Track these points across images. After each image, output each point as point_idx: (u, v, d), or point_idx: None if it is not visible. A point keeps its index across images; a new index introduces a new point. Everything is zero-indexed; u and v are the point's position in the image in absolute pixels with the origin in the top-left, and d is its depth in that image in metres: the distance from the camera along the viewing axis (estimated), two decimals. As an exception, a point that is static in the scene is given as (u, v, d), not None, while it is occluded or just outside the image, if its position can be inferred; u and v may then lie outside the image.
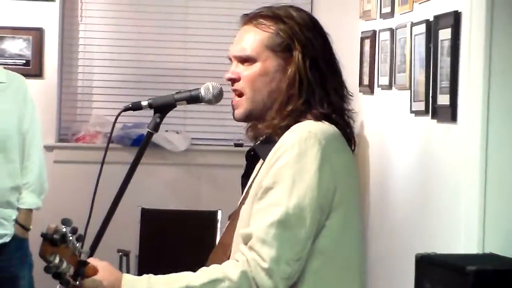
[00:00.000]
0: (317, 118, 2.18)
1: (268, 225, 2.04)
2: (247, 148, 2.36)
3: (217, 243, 2.32)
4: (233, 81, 2.26)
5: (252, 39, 2.24)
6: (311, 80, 2.20)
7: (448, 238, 4.00)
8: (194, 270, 2.13)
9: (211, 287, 2.04)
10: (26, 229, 4.42)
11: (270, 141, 2.20)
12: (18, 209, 4.39)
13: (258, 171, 2.23)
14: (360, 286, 2.21)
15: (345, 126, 2.25)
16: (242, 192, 2.32)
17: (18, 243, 4.40)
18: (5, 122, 4.32)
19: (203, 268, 2.12)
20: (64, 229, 2.03)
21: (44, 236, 2.02)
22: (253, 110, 2.24)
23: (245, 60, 2.24)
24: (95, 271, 2.11)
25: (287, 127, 2.18)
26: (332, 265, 2.14)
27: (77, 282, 2.07)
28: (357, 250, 2.20)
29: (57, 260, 2.02)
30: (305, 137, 2.10)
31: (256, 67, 2.23)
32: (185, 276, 2.09)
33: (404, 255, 4.44)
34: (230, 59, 2.31)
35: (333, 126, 2.21)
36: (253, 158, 2.30)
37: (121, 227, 4.85)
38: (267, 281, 2.04)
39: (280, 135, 2.17)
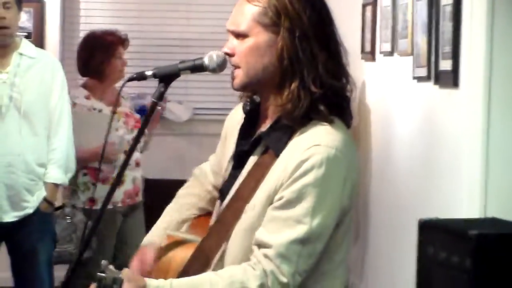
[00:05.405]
0: (327, 119, 2.20)
1: (289, 242, 2.12)
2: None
3: (196, 247, 2.31)
4: (229, 55, 2.28)
5: (245, 14, 2.24)
6: (300, 57, 2.20)
7: (450, 203, 4.02)
8: None
9: None
10: (50, 204, 4.38)
11: (278, 128, 2.23)
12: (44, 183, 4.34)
13: (263, 158, 2.24)
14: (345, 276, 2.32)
15: (342, 103, 2.26)
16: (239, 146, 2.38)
17: (41, 217, 4.35)
18: (30, 96, 4.29)
19: (222, 273, 2.15)
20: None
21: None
22: (249, 83, 2.27)
23: (239, 35, 2.25)
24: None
25: (297, 117, 2.19)
26: (333, 265, 2.25)
27: None
28: (349, 246, 2.31)
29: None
30: (333, 156, 2.14)
31: (248, 42, 2.24)
32: (206, 283, 2.13)
33: (407, 221, 4.46)
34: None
35: (344, 127, 2.24)
36: (251, 120, 2.34)
37: (126, 197, 4.88)
38: None
39: (289, 122, 2.20)
